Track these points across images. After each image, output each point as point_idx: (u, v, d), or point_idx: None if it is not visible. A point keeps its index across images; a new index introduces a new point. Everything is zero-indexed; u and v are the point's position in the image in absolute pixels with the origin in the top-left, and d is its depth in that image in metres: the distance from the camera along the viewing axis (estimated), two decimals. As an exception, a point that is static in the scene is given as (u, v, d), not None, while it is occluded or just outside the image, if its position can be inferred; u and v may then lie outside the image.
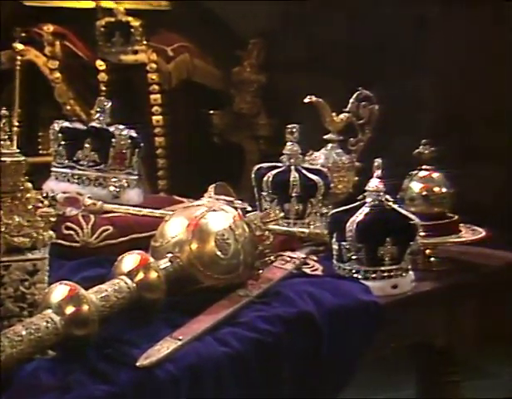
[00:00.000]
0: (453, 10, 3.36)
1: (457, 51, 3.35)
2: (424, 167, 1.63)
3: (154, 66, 2.97)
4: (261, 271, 1.37)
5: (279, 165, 1.66)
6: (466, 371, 1.63)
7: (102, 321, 1.14)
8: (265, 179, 1.64)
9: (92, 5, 2.94)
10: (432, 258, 1.57)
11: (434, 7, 3.42)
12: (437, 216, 1.58)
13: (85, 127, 1.74)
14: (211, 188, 1.52)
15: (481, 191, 3.16)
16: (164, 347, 1.14)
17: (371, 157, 1.54)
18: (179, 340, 1.16)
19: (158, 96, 2.98)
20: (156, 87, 2.98)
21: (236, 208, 1.39)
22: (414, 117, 3.33)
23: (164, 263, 1.27)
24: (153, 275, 1.22)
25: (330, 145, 1.83)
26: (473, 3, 3.32)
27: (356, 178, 1.82)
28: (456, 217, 1.60)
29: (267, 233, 1.38)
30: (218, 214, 1.34)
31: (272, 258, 1.43)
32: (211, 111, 3.24)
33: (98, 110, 1.72)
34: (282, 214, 1.53)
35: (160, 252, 1.31)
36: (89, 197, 1.60)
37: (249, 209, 1.46)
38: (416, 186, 1.61)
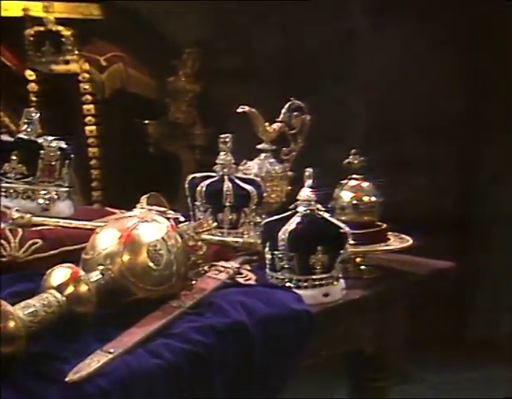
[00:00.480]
0: (385, 22, 3.44)
1: (389, 63, 3.44)
2: (354, 176, 1.67)
3: (86, 75, 2.92)
4: (194, 281, 1.36)
5: (213, 174, 1.66)
6: (395, 377, 1.68)
7: (30, 337, 1.11)
8: (198, 189, 1.64)
9: (20, 14, 2.87)
10: (362, 266, 1.60)
11: (366, 19, 3.50)
12: (367, 225, 1.61)
13: (12, 139, 1.70)
14: (143, 198, 1.50)
15: (408, 200, 3.25)
16: (94, 361, 1.12)
17: (303, 166, 1.56)
18: (110, 353, 1.15)
19: (91, 106, 2.92)
20: (89, 97, 2.93)
21: (169, 218, 1.38)
22: (345, 127, 3.40)
23: (95, 275, 1.25)
24: (83, 288, 1.20)
25: (263, 155, 1.85)
26: (406, 15, 3.42)
27: (289, 187, 1.84)
28: (385, 225, 1.64)
29: (200, 243, 1.37)
30: (150, 225, 1.33)
31: (205, 268, 1.42)
32: (146, 121, 3.21)
33: (26, 121, 1.68)
34: (215, 224, 1.53)
35: (91, 264, 1.29)
36: (17, 210, 1.56)
37: (182, 219, 1.45)
38: (346, 195, 1.64)
